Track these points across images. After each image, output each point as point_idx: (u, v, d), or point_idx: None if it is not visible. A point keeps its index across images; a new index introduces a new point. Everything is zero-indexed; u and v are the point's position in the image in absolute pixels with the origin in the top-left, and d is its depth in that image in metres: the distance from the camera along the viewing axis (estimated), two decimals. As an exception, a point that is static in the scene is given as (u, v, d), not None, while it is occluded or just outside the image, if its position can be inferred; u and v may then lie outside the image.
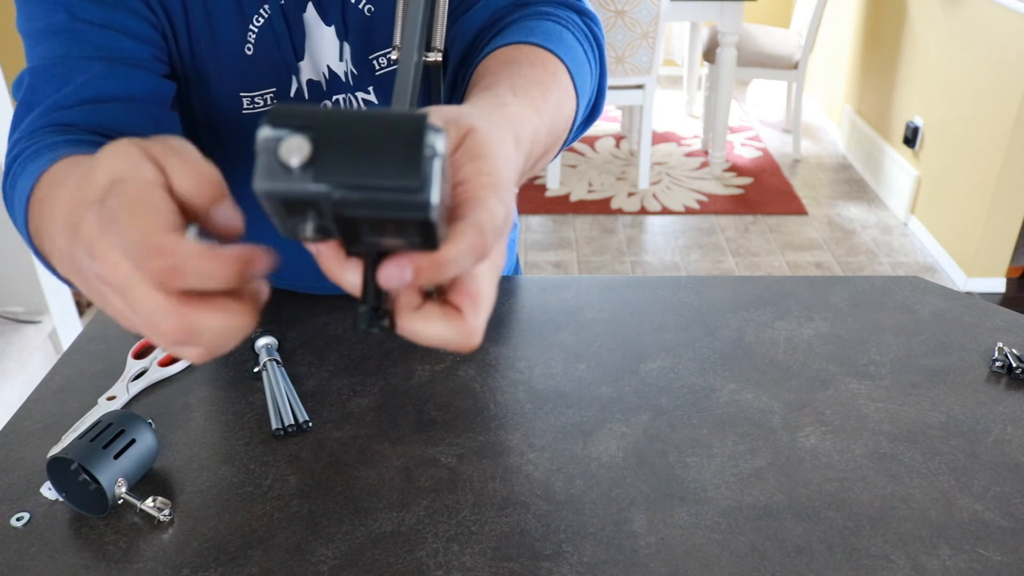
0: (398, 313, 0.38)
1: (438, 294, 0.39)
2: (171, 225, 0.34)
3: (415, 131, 0.32)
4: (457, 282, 0.38)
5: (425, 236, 0.34)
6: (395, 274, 0.35)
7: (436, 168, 0.32)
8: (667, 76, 4.73)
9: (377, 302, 0.36)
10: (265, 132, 0.32)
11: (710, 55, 3.51)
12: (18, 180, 0.56)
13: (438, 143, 0.32)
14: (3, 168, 0.63)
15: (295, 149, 0.31)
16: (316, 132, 0.32)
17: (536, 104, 0.52)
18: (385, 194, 0.32)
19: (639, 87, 3.22)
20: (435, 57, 0.47)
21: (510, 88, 0.52)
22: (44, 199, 0.48)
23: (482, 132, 0.40)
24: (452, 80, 0.69)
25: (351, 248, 0.37)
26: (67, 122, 0.64)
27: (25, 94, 0.66)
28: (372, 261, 0.37)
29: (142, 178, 0.35)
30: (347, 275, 0.37)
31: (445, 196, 0.34)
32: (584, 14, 0.69)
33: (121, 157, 0.36)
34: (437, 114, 0.40)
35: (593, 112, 0.69)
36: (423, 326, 0.38)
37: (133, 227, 0.33)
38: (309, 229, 0.33)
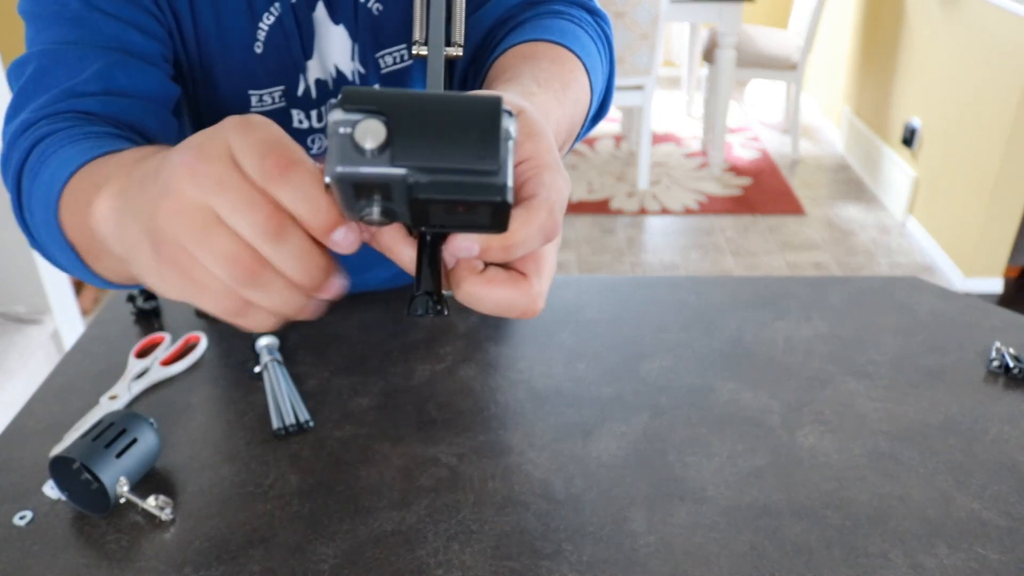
0: (460, 279, 0.38)
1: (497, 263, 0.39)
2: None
3: (492, 114, 0.32)
4: None
5: (496, 219, 0.34)
6: (465, 246, 0.35)
7: (510, 151, 0.32)
8: (666, 77, 4.73)
9: (432, 287, 0.36)
10: (337, 116, 0.31)
11: (709, 56, 3.51)
12: (48, 160, 0.54)
13: (511, 126, 0.33)
14: (13, 140, 0.60)
15: (371, 132, 0.31)
16: (390, 115, 0.31)
17: (558, 97, 0.52)
18: (462, 176, 0.32)
19: (639, 88, 3.22)
20: (456, 52, 0.47)
21: (534, 80, 0.52)
22: (97, 181, 0.46)
23: (531, 112, 0.40)
24: (463, 77, 0.70)
25: (417, 230, 0.37)
26: (86, 110, 0.62)
27: (33, 74, 0.63)
28: (428, 247, 0.37)
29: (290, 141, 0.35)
30: (409, 252, 0.38)
31: (513, 178, 0.35)
32: (595, 13, 0.69)
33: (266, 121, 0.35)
34: None
35: (600, 110, 0.69)
36: (488, 290, 0.37)
37: (302, 171, 0.33)
38: (376, 212, 0.33)
